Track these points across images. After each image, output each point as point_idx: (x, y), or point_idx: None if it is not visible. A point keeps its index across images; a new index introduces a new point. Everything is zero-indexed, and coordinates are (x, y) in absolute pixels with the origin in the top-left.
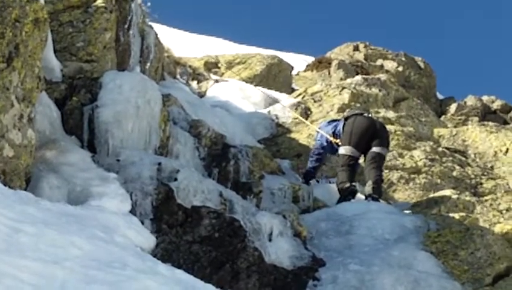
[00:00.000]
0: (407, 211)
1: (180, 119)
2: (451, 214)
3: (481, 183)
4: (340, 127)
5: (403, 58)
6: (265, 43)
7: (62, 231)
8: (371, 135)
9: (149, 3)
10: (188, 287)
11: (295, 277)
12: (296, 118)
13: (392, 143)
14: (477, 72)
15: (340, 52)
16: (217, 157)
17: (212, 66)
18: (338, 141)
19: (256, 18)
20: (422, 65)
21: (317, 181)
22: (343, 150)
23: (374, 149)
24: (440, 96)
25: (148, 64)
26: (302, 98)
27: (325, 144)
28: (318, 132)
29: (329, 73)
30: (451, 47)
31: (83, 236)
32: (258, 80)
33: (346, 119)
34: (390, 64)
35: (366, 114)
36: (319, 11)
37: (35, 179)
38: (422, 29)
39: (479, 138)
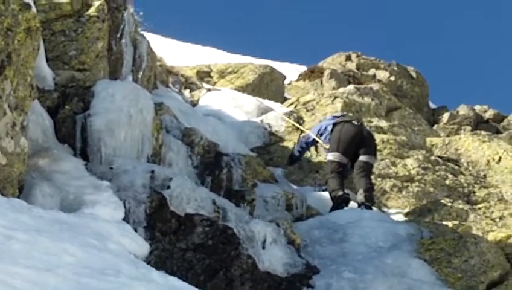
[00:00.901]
0: (400, 219)
1: (173, 128)
2: (444, 222)
3: (474, 192)
4: (329, 128)
5: (395, 68)
6: (257, 52)
7: (55, 239)
8: (358, 143)
9: (141, 13)
10: None
11: (289, 284)
12: (289, 127)
13: (385, 152)
14: (470, 81)
15: (333, 62)
16: (210, 165)
17: (204, 75)
18: (324, 144)
19: (249, 28)
20: (414, 75)
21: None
22: (331, 156)
23: (362, 158)
24: (432, 106)
25: (141, 73)
26: (295, 107)
27: (310, 140)
28: (314, 130)
29: (321, 82)
30: (444, 57)
31: (76, 244)
32: (250, 89)
33: (334, 125)
34: (382, 74)
35: (354, 122)
36: (311, 21)
37: (28, 186)
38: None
39: (472, 146)
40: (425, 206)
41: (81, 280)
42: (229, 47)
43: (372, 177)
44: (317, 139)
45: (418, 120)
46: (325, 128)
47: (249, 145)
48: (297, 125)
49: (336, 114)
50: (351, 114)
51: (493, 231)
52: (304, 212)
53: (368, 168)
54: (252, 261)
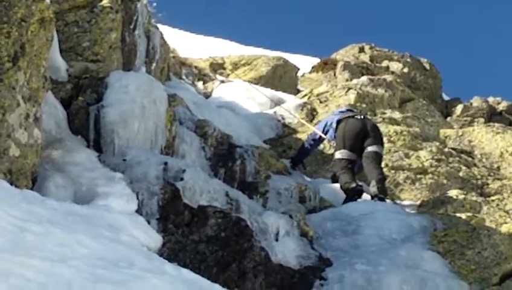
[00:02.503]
0: (413, 211)
1: (186, 120)
2: (457, 214)
3: (487, 184)
4: (333, 125)
5: (409, 60)
6: (270, 44)
7: (69, 230)
8: (363, 137)
9: (155, 4)
10: (195, 287)
11: (302, 276)
12: (303, 118)
13: (398, 143)
14: (483, 73)
15: (346, 54)
16: (223, 157)
17: (217, 67)
18: (331, 141)
19: (262, 19)
20: (427, 66)
21: (305, 167)
22: (339, 154)
23: (369, 149)
24: (446, 98)
25: (154, 64)
26: (308, 98)
27: (317, 137)
28: (319, 127)
29: (334, 74)
30: (457, 48)
31: (90, 235)
32: (263, 81)
33: (338, 122)
34: (395, 66)
35: (357, 116)
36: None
37: (41, 178)
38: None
39: (485, 138)
40: (439, 198)
41: (94, 271)
42: (242, 39)
43: (385, 169)
44: (323, 136)
45: (431, 112)
46: (330, 125)
47: (262, 137)
48: (303, 121)
49: (342, 109)
50: (355, 109)
51: (506, 223)
52: (317, 204)
53: (376, 158)
54: (265, 253)
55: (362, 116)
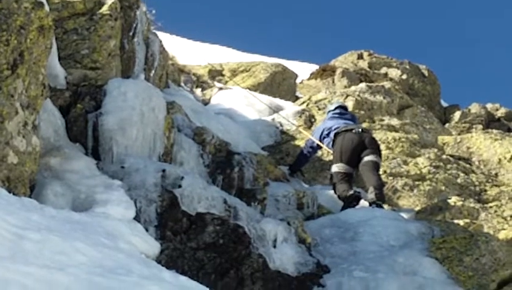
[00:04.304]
0: (411, 218)
1: (185, 127)
2: (455, 221)
3: (485, 190)
4: (331, 135)
5: (407, 67)
6: (269, 51)
7: (67, 238)
8: (360, 150)
9: (154, 11)
10: None
11: (300, 283)
12: (300, 125)
13: (397, 150)
14: (481, 80)
15: (345, 61)
16: (221, 164)
17: (216, 74)
18: (328, 149)
19: (260, 26)
20: (426, 73)
21: (303, 174)
22: (336, 167)
23: (366, 158)
24: (444, 104)
25: (153, 71)
26: (307, 105)
27: (315, 145)
28: (316, 134)
29: (333, 81)
30: (455, 55)
31: (88, 243)
32: (262, 88)
33: (336, 135)
34: (394, 73)
35: (355, 130)
36: (323, 20)
37: (39, 186)
38: (427, 38)
39: (483, 145)
40: (437, 205)
41: (93, 279)
42: (240, 46)
43: (384, 176)
44: (320, 144)
45: (429, 118)
46: (328, 134)
47: (261, 144)
48: (301, 129)
49: (333, 109)
50: (345, 108)
51: (504, 229)
52: (315, 211)
53: (373, 165)
54: (263, 260)
55: (360, 130)
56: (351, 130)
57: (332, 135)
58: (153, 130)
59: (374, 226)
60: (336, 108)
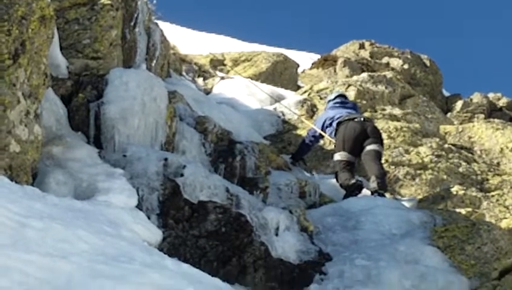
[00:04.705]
0: (413, 207)
1: (186, 116)
2: (457, 210)
3: (487, 179)
4: (334, 124)
5: (409, 56)
6: (270, 40)
7: (69, 226)
8: (363, 139)
9: (155, 1)
10: (195, 281)
11: (302, 271)
12: (302, 115)
13: (398, 139)
14: (483, 69)
15: (346, 50)
16: (223, 153)
17: (217, 63)
18: (330, 138)
19: (262, 16)
20: (428, 63)
21: (305, 163)
22: (338, 156)
23: (369, 147)
24: (446, 94)
25: (154, 61)
26: (308, 95)
27: (317, 134)
28: (318, 124)
29: (335, 71)
30: (457, 44)
31: (90, 231)
32: (263, 77)
33: (338, 124)
34: (396, 62)
35: (357, 118)
36: (325, 9)
37: (41, 174)
38: (428, 27)
39: (485, 134)
40: (439, 194)
41: (95, 266)
42: (242, 35)
43: (385, 165)
44: (323, 133)
45: (431, 108)
46: (330, 124)
47: (263, 133)
48: (303, 118)
49: (333, 99)
50: (345, 96)
51: (506, 218)
52: (317, 199)
53: (375, 153)
54: (265, 248)
55: (362, 119)
56: (354, 119)
57: (335, 124)
58: (155, 119)
59: (375, 214)
60: (336, 97)
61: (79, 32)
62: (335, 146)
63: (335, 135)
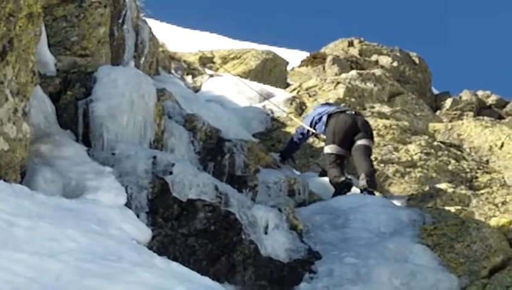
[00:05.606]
0: (402, 205)
1: (175, 114)
2: (446, 208)
3: (476, 177)
4: (324, 119)
5: (398, 54)
6: (260, 38)
7: (57, 225)
8: (354, 132)
9: None
10: (184, 280)
11: (291, 269)
12: (291, 112)
13: (387, 137)
14: (473, 67)
15: (335, 48)
16: (212, 151)
17: (206, 61)
18: (319, 134)
19: (251, 13)
20: (417, 60)
21: (294, 161)
22: (328, 149)
23: (359, 142)
24: (435, 91)
25: (143, 59)
26: (297, 92)
27: (305, 131)
28: (306, 121)
29: (324, 68)
30: (447, 42)
31: (79, 229)
32: (252, 75)
33: (329, 116)
34: (385, 60)
35: (348, 112)
36: (314, 7)
37: (30, 172)
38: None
39: (474, 132)
40: (428, 192)
41: (83, 265)
42: (231, 33)
43: (375, 162)
44: (311, 130)
45: (420, 106)
46: (320, 119)
47: (251, 131)
48: (291, 116)
49: (323, 102)
50: (342, 104)
51: (495, 216)
52: (307, 197)
53: (366, 151)
54: (254, 246)
55: (353, 112)
56: (345, 111)
57: (324, 118)
58: (144, 117)
59: (365, 213)
60: (322, 104)
61: (67, 29)
62: (326, 139)
63: (325, 129)
